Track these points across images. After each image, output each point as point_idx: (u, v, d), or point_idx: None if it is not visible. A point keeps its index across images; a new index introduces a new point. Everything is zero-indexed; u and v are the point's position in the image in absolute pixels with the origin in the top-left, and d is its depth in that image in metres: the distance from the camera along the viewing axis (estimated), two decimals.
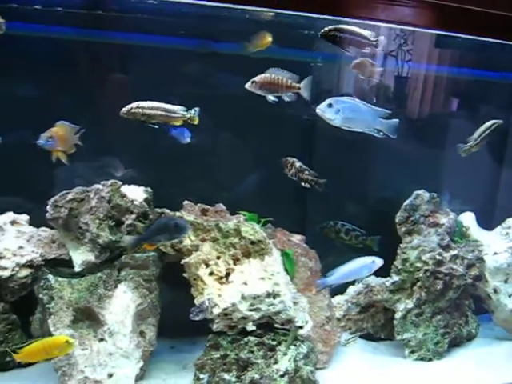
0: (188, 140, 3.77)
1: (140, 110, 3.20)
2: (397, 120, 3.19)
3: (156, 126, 3.22)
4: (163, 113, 3.23)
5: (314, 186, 3.64)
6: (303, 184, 3.63)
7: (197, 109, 3.26)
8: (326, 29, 3.12)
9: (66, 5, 3.52)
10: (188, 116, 3.26)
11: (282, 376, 3.17)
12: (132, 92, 3.79)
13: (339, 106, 3.08)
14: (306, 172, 3.61)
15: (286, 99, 3.31)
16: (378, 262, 3.42)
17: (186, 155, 3.81)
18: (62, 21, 3.56)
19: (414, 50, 4.40)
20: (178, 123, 3.28)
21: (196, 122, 3.29)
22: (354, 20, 3.64)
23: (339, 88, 4.39)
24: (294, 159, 3.65)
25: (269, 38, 3.49)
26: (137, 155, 3.89)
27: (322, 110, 3.09)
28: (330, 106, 3.08)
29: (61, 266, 3.52)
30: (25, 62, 3.60)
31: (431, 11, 3.71)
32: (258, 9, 3.65)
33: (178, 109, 3.26)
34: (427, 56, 4.57)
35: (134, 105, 3.21)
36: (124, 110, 3.20)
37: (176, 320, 3.56)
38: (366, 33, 3.17)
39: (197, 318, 3.13)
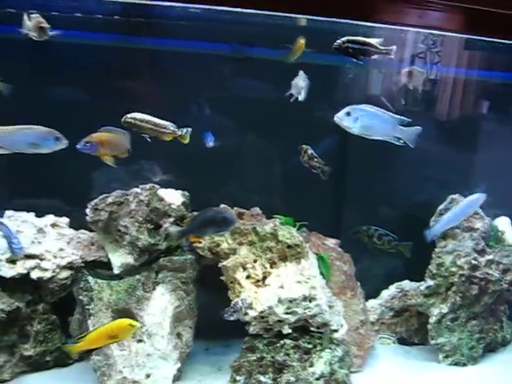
0: (211, 144, 3.81)
1: (132, 120, 3.20)
2: (418, 128, 3.13)
3: (149, 139, 3.22)
4: (153, 127, 3.22)
5: (320, 174, 3.64)
6: (313, 171, 3.64)
7: (189, 129, 3.27)
8: (339, 41, 3.06)
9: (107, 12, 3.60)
10: (179, 133, 3.26)
11: (317, 379, 3.20)
12: (168, 96, 3.87)
13: (357, 114, 3.05)
14: (315, 159, 3.64)
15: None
16: (482, 196, 3.60)
17: (221, 160, 3.85)
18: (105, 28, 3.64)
19: (444, 53, 4.38)
20: (167, 138, 3.26)
21: (187, 141, 3.30)
22: (383, 25, 3.66)
23: (372, 91, 4.40)
24: (308, 147, 3.67)
25: (302, 41, 3.51)
26: (173, 160, 3.94)
27: (340, 118, 3.07)
28: (348, 114, 3.05)
29: (99, 268, 3.59)
30: (74, 68, 3.69)
31: (460, 15, 3.70)
32: (289, 15, 3.68)
33: (168, 125, 3.25)
34: (457, 59, 4.55)
35: (129, 114, 3.21)
36: (123, 118, 3.21)
37: (210, 322, 3.60)
38: (376, 41, 3.12)
39: (231, 319, 3.14)
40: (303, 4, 3.56)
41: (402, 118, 3.10)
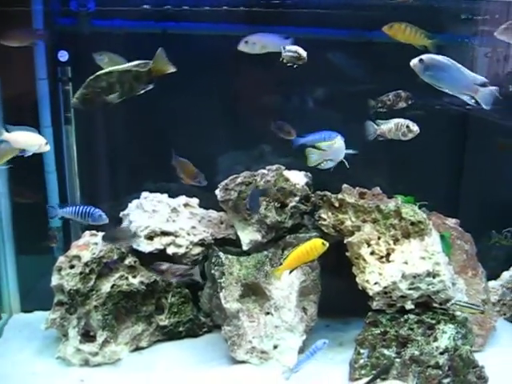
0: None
1: None
2: (494, 88, 2.96)
3: None
4: None
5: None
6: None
7: None
8: None
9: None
10: None
11: (441, 353, 3.24)
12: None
13: (429, 62, 2.93)
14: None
15: None
16: None
17: None
18: None
19: None
20: None
21: None
22: None
23: None
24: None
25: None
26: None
27: (413, 63, 2.95)
28: (421, 61, 2.91)
29: (228, 245, 3.83)
30: None
31: None
32: None
33: None
34: None
35: None
36: None
37: (330, 300, 3.74)
38: None
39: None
40: None
41: (480, 77, 2.98)
